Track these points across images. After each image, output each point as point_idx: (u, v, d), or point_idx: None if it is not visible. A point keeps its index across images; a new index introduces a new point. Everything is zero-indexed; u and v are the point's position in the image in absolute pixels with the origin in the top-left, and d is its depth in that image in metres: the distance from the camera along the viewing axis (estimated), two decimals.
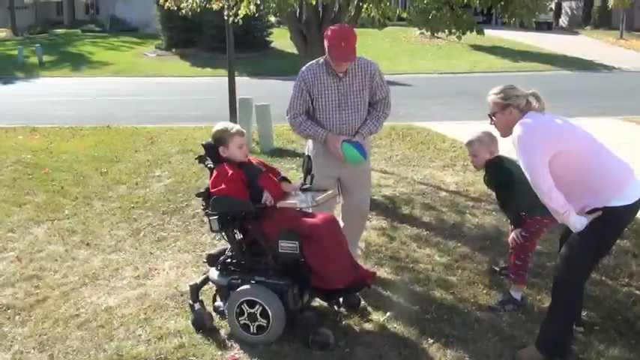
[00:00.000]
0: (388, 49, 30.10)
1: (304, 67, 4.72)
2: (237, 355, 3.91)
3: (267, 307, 3.94)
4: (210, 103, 15.37)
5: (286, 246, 3.99)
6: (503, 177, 4.42)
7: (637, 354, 3.93)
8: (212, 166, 4.27)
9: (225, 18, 9.16)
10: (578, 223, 3.65)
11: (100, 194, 7.75)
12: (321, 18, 7.39)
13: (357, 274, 4.22)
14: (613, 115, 13.21)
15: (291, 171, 8.44)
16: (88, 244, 6.04)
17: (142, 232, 6.33)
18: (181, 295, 4.78)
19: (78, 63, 27.03)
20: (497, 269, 5.13)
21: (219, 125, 4.38)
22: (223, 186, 4.02)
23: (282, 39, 25.36)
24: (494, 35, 33.02)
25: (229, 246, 4.28)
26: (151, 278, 5.21)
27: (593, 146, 3.74)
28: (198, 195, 4.29)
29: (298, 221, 4.14)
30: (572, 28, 40.70)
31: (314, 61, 4.73)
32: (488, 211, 6.79)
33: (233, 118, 11.06)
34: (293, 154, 9.74)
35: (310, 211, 4.35)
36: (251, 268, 4.16)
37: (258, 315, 3.98)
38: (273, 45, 29.68)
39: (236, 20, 8.65)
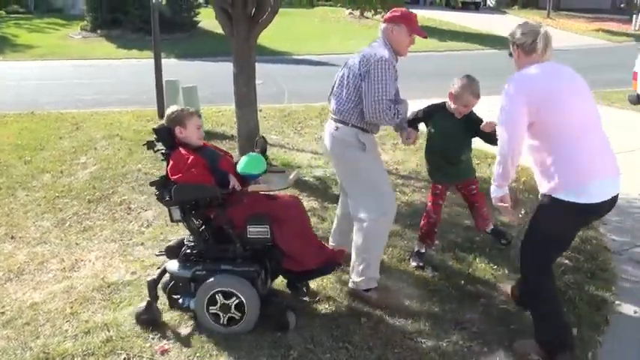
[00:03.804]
0: (318, 29, 30.01)
1: (386, 55, 4.14)
2: (166, 346, 3.86)
3: (241, 296, 3.87)
4: (136, 86, 15.00)
5: (255, 231, 3.92)
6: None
7: (569, 320, 4.08)
8: (166, 151, 4.07)
9: None
10: (495, 192, 3.60)
11: (24, 184, 7.49)
12: None
13: (326, 254, 4.20)
14: None
15: None
16: (12, 237, 5.84)
17: (68, 222, 6.16)
18: (108, 287, 4.68)
19: (1, 46, 25.95)
20: None
21: (174, 107, 4.24)
22: (186, 172, 3.87)
23: (209, 19, 24.92)
24: (423, 15, 33.24)
25: (187, 236, 4.14)
26: (77, 270, 5.07)
27: (571, 127, 3.41)
28: (152, 184, 4.09)
29: (266, 205, 4.07)
30: (500, 7, 41.43)
31: (384, 49, 4.22)
32: (417, 189, 6.89)
33: (160, 100, 10.83)
34: (222, 137, 9.59)
35: (276, 193, 4.29)
36: (216, 257, 4.01)
37: (232, 307, 3.90)
38: (200, 25, 29.10)
39: None
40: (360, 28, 30.63)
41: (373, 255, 4.34)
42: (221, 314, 3.93)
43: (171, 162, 3.98)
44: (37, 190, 7.26)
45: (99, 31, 27.90)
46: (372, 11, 31.25)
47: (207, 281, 3.91)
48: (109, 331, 4.05)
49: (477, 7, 40.34)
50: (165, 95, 10.21)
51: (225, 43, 7.80)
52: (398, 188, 6.89)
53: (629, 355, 3.93)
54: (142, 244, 5.51)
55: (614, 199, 3.49)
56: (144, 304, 4.13)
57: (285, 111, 11.74)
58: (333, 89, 4.44)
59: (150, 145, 4.14)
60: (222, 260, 3.98)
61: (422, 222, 5.05)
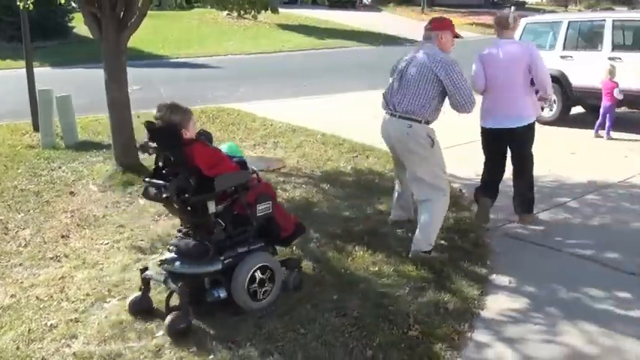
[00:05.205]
0: (196, 30, 29.72)
1: (450, 57, 5.08)
2: None
3: (272, 267, 4.28)
4: (10, 98, 14.32)
5: (263, 208, 4.33)
6: None
7: (450, 296, 4.43)
8: (172, 150, 4.06)
9: (18, 2, 8.39)
10: None
11: None
12: None
13: (291, 219, 4.78)
14: None
15: (99, 164, 8.24)
16: None
17: None
18: None
19: None
20: None
21: (169, 107, 4.18)
22: (223, 163, 4.14)
23: (83, 24, 24.15)
24: (300, 14, 33.72)
25: (181, 236, 4.31)
26: None
27: (495, 84, 5.55)
28: (170, 187, 3.97)
29: (263, 184, 4.60)
30: (376, 5, 42.38)
31: (441, 52, 5.10)
32: (298, 185, 7.05)
33: (34, 112, 10.44)
34: (100, 147, 9.35)
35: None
36: (232, 243, 4.22)
37: (266, 280, 4.24)
38: (75, 31, 28.10)
39: (27, 5, 8.14)
40: (238, 29, 30.61)
41: (435, 227, 5.09)
42: (258, 290, 4.21)
43: (202, 156, 4.06)
44: None
45: None
46: (242, 11, 30.86)
47: (241, 264, 4.16)
48: None
49: (353, 5, 40.93)
50: (39, 105, 9.86)
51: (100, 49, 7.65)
52: (279, 185, 7.02)
53: (505, 323, 4.19)
54: (21, 264, 5.32)
55: (507, 132, 5.55)
56: (176, 313, 4.02)
57: None
58: (394, 90, 5.18)
59: (144, 147, 4.21)
60: (237, 244, 4.23)
61: None
